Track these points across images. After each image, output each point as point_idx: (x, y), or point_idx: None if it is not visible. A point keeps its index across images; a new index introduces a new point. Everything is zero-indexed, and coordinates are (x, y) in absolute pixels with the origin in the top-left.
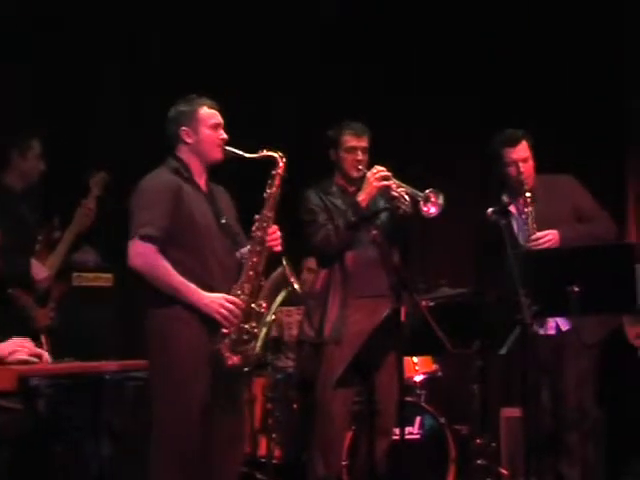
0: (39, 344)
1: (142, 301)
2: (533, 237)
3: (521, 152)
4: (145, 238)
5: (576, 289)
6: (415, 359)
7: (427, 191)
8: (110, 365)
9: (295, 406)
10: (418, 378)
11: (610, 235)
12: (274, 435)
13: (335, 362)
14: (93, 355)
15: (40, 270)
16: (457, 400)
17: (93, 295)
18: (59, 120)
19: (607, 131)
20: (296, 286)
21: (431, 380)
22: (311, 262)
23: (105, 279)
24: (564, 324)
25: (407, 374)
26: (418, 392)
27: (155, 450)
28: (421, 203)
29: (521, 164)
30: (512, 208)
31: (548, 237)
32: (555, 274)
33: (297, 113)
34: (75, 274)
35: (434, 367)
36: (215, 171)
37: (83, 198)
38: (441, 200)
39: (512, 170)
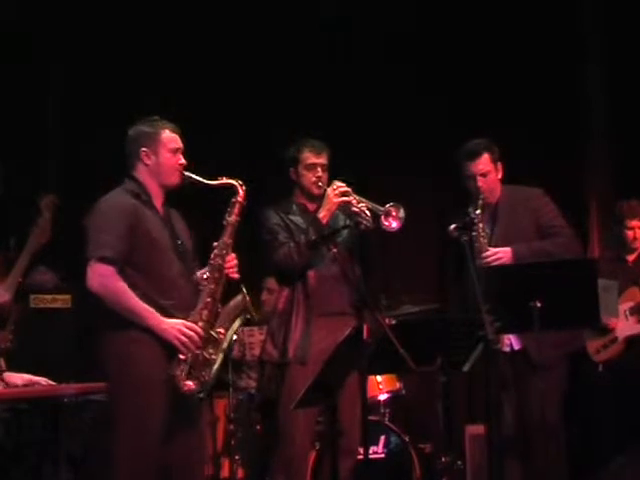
0: None
1: (100, 323)
2: (483, 255)
3: (480, 166)
4: (104, 260)
5: (538, 304)
6: (379, 378)
7: (388, 205)
8: (69, 388)
9: (258, 427)
10: (382, 397)
11: (569, 254)
12: (237, 456)
13: (298, 382)
14: (51, 378)
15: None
16: (421, 418)
17: (51, 317)
18: (12, 137)
19: (567, 143)
20: (254, 315)
21: (395, 398)
22: (271, 282)
23: (63, 300)
24: (516, 343)
25: (371, 393)
26: (382, 411)
27: (114, 474)
28: (382, 218)
29: (479, 178)
30: (479, 221)
31: (499, 255)
32: (517, 290)
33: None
34: (33, 296)
35: (398, 385)
36: (172, 196)
37: (38, 217)
38: (402, 214)
39: (471, 184)
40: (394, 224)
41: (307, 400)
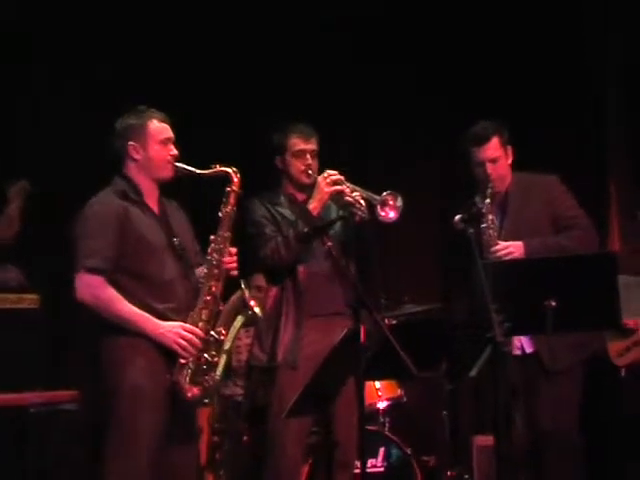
0: None
1: (93, 327)
2: (492, 249)
3: (489, 152)
4: (92, 270)
5: (553, 304)
6: (377, 384)
7: (384, 194)
8: (36, 397)
9: (245, 438)
10: (381, 405)
11: (586, 248)
12: (222, 472)
13: (288, 388)
14: (16, 386)
15: None
16: (425, 428)
17: (16, 318)
18: None
19: (588, 131)
20: (257, 310)
21: (395, 407)
22: (259, 279)
23: (30, 300)
24: (528, 345)
25: (369, 400)
26: (381, 420)
27: None
28: (378, 207)
29: (488, 165)
30: (488, 212)
31: (509, 249)
32: (529, 287)
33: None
34: None
35: (398, 392)
36: (167, 189)
37: (4, 207)
38: (400, 203)
39: (479, 171)
40: (391, 214)
41: (299, 408)
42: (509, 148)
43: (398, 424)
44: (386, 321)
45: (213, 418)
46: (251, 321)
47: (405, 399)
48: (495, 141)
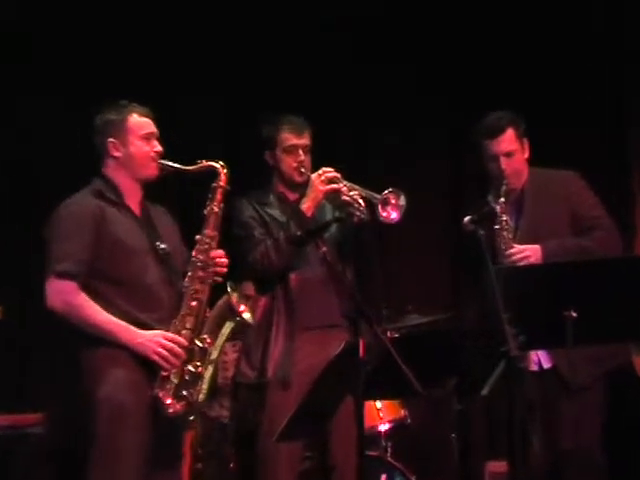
0: None
1: (69, 338)
2: (507, 253)
3: (504, 144)
4: (63, 275)
5: (573, 314)
6: (378, 404)
7: (385, 192)
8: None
9: (232, 465)
10: (383, 427)
11: (610, 251)
12: None
13: (280, 409)
14: None
15: None
16: (431, 453)
17: None
18: None
19: (606, 120)
20: (246, 316)
21: (398, 429)
22: (248, 288)
23: None
24: (546, 360)
25: (369, 422)
26: (383, 444)
27: None
28: (379, 207)
29: (503, 159)
30: (502, 212)
31: (525, 253)
32: (547, 295)
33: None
34: None
35: (402, 413)
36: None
37: None
38: (403, 201)
39: (493, 166)
40: (394, 214)
41: (291, 431)
42: (525, 141)
43: (401, 449)
44: (388, 334)
45: (196, 442)
46: (240, 328)
47: (409, 420)
48: (510, 133)
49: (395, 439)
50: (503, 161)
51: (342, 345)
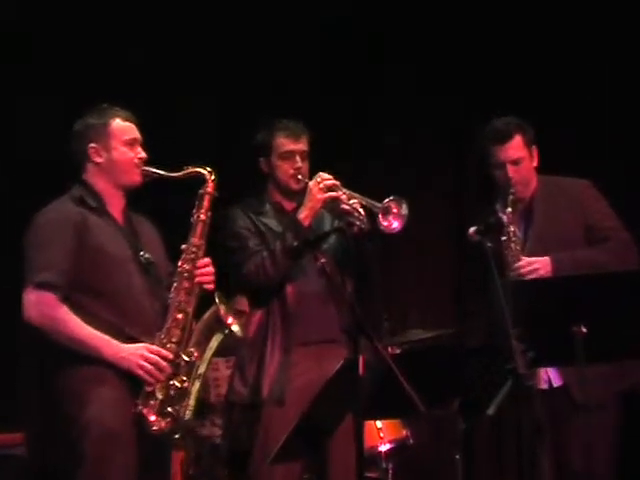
0: None
1: (48, 357)
2: (514, 266)
3: (511, 151)
4: (42, 286)
5: (583, 329)
6: (379, 424)
7: (386, 201)
8: None
9: None
10: (384, 448)
11: (623, 265)
12: None
13: (275, 429)
14: None
15: None
16: (434, 475)
17: None
18: None
19: (618, 126)
20: (235, 328)
21: (400, 450)
22: (241, 303)
23: None
24: (556, 378)
25: (369, 443)
26: (384, 466)
27: None
28: (380, 216)
29: (510, 167)
30: (510, 222)
31: (534, 265)
32: (557, 310)
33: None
34: None
35: (404, 433)
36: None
37: None
38: (405, 210)
39: (500, 174)
40: (395, 224)
41: (287, 452)
42: (534, 148)
43: (403, 470)
44: (389, 349)
45: (187, 463)
46: (230, 341)
47: (411, 441)
48: (518, 139)
49: (396, 460)
50: (510, 169)
51: (341, 362)
